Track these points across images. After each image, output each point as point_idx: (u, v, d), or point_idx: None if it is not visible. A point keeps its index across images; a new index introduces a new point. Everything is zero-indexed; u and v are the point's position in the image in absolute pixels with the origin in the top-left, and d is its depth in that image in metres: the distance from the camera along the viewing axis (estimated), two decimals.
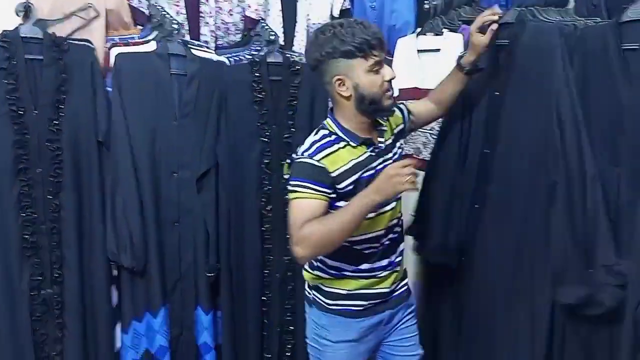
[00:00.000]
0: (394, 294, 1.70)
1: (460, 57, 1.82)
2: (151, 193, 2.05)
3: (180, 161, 2.09)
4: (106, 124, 2.02)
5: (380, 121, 1.64)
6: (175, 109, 2.08)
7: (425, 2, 2.41)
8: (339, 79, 1.52)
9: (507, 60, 1.82)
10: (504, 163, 1.86)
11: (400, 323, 1.75)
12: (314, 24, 2.51)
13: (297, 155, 1.57)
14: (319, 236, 1.44)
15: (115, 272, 2.09)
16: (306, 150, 1.55)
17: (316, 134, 1.59)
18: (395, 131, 1.70)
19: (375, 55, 1.49)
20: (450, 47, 2.15)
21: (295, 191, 1.50)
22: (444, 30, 2.24)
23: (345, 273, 1.63)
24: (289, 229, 1.50)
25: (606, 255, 1.62)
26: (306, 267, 1.72)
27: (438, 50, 2.23)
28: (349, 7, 2.61)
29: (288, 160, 1.60)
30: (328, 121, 1.61)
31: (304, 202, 1.49)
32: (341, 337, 1.65)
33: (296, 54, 2.34)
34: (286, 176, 1.60)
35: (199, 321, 2.13)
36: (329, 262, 1.63)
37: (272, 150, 2.16)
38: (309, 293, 1.72)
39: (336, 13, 2.59)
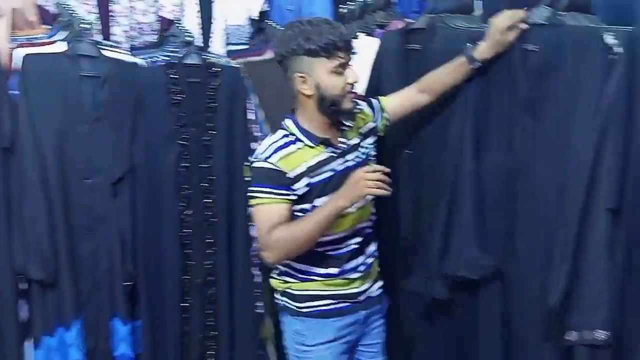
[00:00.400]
0: (368, 295, 1.70)
1: (469, 50, 1.68)
2: (61, 200, 1.95)
3: (93, 166, 2.00)
4: (10, 128, 1.90)
5: (344, 121, 1.63)
6: (87, 112, 1.99)
7: (342, 6, 2.45)
8: (301, 77, 1.52)
9: (419, 64, 1.89)
10: (425, 163, 1.93)
11: (372, 327, 1.75)
12: (231, 25, 2.50)
13: (254, 157, 1.57)
14: (287, 241, 1.50)
15: (25, 286, 1.97)
16: (263, 152, 1.55)
17: (275, 134, 1.60)
18: (363, 130, 1.69)
19: (340, 57, 1.50)
20: (365, 50, 2.19)
21: (256, 197, 1.53)
22: (359, 34, 2.29)
23: (313, 277, 1.63)
24: (257, 234, 1.54)
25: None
26: (273, 274, 1.71)
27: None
28: (268, 9, 2.62)
29: (246, 163, 1.60)
30: (287, 122, 1.61)
31: (267, 207, 1.52)
32: (318, 340, 1.64)
33: (214, 56, 2.31)
34: (247, 178, 1.60)
35: (117, 332, 2.05)
36: (296, 265, 1.63)
37: (190, 153, 2.11)
38: (280, 301, 1.70)
39: (254, 15, 2.59)
